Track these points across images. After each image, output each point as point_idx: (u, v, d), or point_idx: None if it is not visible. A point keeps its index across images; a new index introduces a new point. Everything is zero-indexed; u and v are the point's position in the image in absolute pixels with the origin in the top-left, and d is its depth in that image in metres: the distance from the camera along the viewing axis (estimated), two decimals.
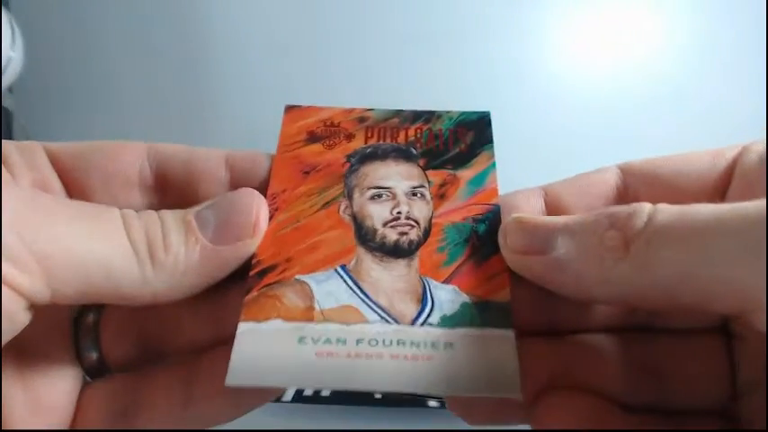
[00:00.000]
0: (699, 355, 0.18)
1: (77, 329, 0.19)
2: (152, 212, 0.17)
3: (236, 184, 0.20)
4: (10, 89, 0.50)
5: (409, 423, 0.36)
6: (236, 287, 0.19)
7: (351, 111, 0.23)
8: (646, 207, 0.15)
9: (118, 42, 0.56)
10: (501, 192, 0.20)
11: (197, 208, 0.18)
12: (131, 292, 0.15)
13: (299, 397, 0.37)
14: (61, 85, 0.55)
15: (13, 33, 0.45)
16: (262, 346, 0.16)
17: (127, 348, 0.19)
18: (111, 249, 0.15)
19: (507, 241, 0.18)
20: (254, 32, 0.53)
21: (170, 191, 0.20)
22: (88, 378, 0.19)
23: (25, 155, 0.18)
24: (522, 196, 0.20)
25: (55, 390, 0.17)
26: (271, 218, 0.19)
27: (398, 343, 0.16)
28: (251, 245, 0.18)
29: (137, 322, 0.19)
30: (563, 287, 0.17)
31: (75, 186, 0.19)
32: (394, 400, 0.37)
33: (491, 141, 0.22)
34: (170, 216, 0.17)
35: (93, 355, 0.19)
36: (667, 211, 0.14)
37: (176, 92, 0.55)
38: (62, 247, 0.14)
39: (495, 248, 0.19)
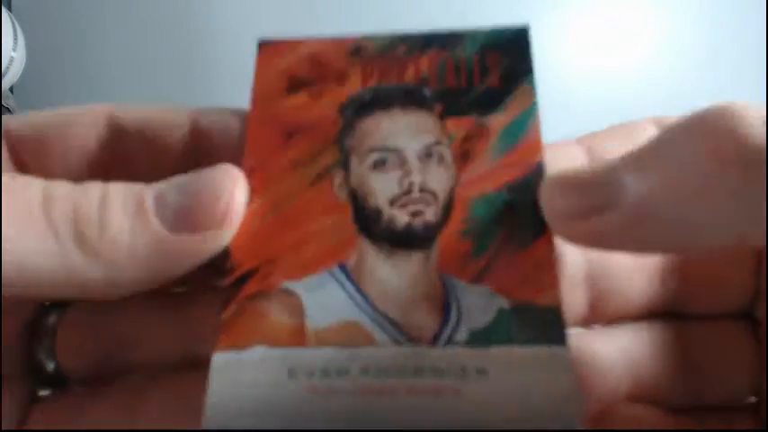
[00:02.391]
0: (731, 343, 0.16)
1: (33, 335, 0.16)
2: (96, 185, 0.14)
3: (202, 151, 0.17)
4: (11, 89, 0.50)
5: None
6: (211, 292, 0.16)
7: (342, 41, 0.17)
8: (751, 107, 0.11)
9: (118, 42, 0.55)
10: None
11: (159, 184, 0.14)
12: (53, 284, 0.13)
13: None
14: (61, 86, 0.55)
15: (14, 33, 0.45)
16: (244, 382, 0.13)
17: (85, 359, 0.16)
18: (20, 229, 0.12)
19: (555, 209, 0.14)
20: (256, 31, 0.49)
21: (135, 161, 0.17)
22: (45, 391, 0.17)
23: None
24: (557, 152, 0.15)
25: None
26: (248, 202, 0.15)
27: (416, 372, 0.13)
28: (219, 237, 0.14)
29: (97, 328, 0.16)
30: (655, 244, 0.13)
31: (30, 164, 0.16)
32: None
33: (531, 71, 0.16)
34: (117, 191, 0.14)
35: (50, 366, 0.16)
36: None
37: (177, 92, 0.54)
38: None
39: (540, 227, 0.14)
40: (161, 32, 0.56)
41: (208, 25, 0.56)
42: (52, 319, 0.17)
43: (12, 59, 0.46)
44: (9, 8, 0.52)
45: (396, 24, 0.17)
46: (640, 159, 0.12)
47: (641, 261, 0.16)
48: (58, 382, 0.17)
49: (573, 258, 0.15)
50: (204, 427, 0.12)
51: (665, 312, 0.16)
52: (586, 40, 0.51)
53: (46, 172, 0.16)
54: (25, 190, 0.13)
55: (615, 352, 0.15)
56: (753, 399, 0.16)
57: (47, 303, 0.17)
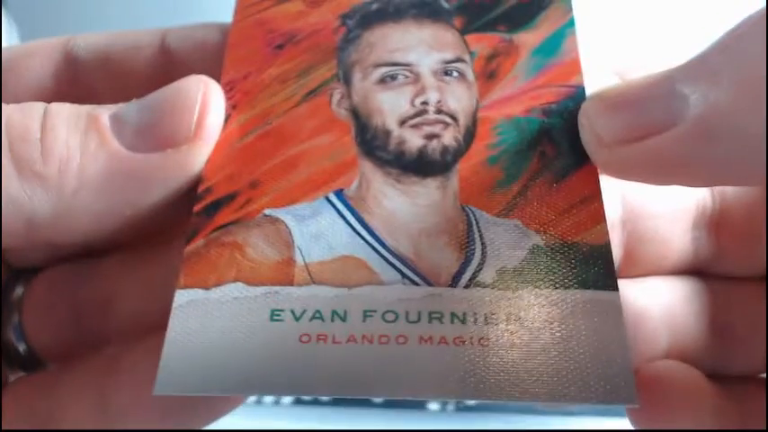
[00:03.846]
0: (758, 308, 0.14)
1: None
2: (36, 104, 0.12)
3: (174, 76, 0.14)
4: None
5: (407, 424, 0.35)
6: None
7: None
8: None
9: None
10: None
11: (116, 105, 0.12)
12: None
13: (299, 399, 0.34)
14: None
15: (10, 32, 0.44)
16: (212, 328, 0.10)
17: (56, 332, 0.14)
18: None
19: (601, 133, 0.11)
20: None
21: (100, 94, 0.15)
22: (19, 372, 0.14)
23: None
24: (595, 78, 0.13)
25: None
26: (227, 119, 0.13)
27: (431, 317, 0.10)
28: (192, 155, 0.12)
29: (67, 296, 0.14)
30: (721, 170, 0.10)
31: None
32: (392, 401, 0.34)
33: None
34: (62, 107, 0.12)
35: (21, 347, 0.14)
36: None
37: None
38: None
39: (580, 156, 0.12)
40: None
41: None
42: (18, 291, 0.14)
43: None
44: (5, 6, 0.51)
45: None
46: (704, 64, 0.10)
47: (680, 207, 0.14)
48: (33, 363, 0.14)
49: (607, 199, 0.13)
50: (156, 391, 0.10)
51: (699, 270, 0.14)
52: None
53: None
54: None
55: (655, 305, 0.13)
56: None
57: (12, 274, 0.14)
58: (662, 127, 0.10)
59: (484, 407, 0.33)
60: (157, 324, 0.13)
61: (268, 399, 0.33)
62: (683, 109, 0.10)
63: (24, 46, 0.15)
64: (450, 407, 0.33)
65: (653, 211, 0.13)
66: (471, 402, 0.33)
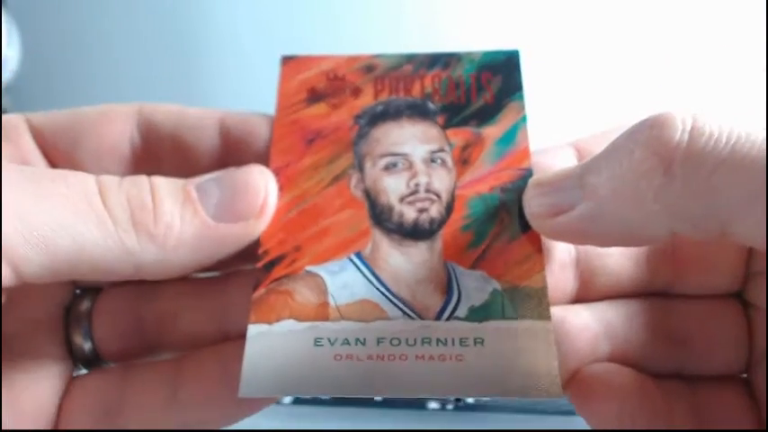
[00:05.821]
0: (719, 321, 0.17)
1: (69, 319, 0.18)
2: (142, 178, 0.15)
3: (229, 152, 0.18)
4: (6, 88, 0.48)
5: (408, 424, 0.36)
6: (240, 276, 0.18)
7: (356, 59, 0.20)
8: (678, 117, 0.13)
9: (117, 41, 0.51)
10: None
11: (198, 179, 0.16)
12: (111, 265, 0.14)
13: (298, 398, 0.35)
14: (59, 85, 0.52)
15: (9, 31, 0.44)
16: (275, 351, 0.15)
17: (121, 339, 0.18)
18: (77, 215, 0.14)
19: (532, 208, 0.16)
20: (256, 35, 0.47)
21: (164, 160, 0.18)
22: (82, 369, 0.18)
23: (3, 128, 0.17)
24: (552, 156, 0.17)
25: (38, 390, 0.16)
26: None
27: (423, 341, 0.15)
28: (256, 227, 0.16)
29: (132, 311, 0.18)
30: (607, 238, 0.15)
31: (62, 162, 0.18)
32: (394, 402, 0.36)
33: (521, 89, 0.19)
34: (164, 183, 0.15)
35: (87, 346, 0.18)
36: (715, 126, 0.12)
37: (177, 91, 0.51)
38: (9, 214, 0.12)
39: (527, 224, 0.16)
40: (160, 33, 0.52)
41: (208, 24, 0.52)
42: (86, 304, 0.18)
43: (7, 58, 0.44)
44: (4, 5, 0.49)
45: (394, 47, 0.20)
46: (595, 164, 0.14)
47: None
48: (94, 362, 0.18)
49: (562, 245, 0.17)
50: (240, 395, 0.14)
51: (655, 292, 0.17)
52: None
53: (76, 169, 0.16)
54: (82, 182, 0.15)
55: (594, 321, 0.16)
56: (743, 375, 0.17)
57: (78, 291, 0.18)
58: (567, 207, 0.15)
59: (482, 406, 0.36)
60: (210, 341, 0.17)
61: None
62: (572, 201, 0.15)
63: (101, 109, 0.18)
64: (450, 406, 0.35)
65: (602, 251, 0.17)
66: (470, 401, 0.36)
